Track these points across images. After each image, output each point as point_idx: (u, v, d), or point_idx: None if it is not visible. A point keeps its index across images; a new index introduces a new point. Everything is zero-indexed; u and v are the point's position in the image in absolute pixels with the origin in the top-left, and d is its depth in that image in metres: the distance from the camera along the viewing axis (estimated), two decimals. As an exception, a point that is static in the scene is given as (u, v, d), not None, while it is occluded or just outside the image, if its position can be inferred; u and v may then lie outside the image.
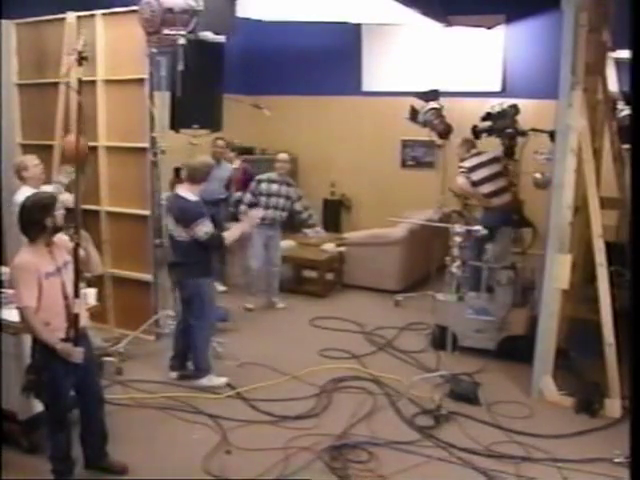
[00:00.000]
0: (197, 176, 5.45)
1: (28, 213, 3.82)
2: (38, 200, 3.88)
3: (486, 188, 6.67)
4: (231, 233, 5.61)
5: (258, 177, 7.44)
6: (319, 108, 10.18)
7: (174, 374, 5.66)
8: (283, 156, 7.51)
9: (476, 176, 6.68)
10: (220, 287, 7.69)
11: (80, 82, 4.44)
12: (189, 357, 5.66)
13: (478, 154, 6.84)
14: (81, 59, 4.38)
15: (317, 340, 6.58)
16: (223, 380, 5.54)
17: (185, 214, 5.32)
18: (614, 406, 5.02)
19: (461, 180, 6.76)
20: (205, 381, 5.51)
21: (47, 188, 5.52)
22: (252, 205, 7.25)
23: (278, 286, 7.79)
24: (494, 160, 6.74)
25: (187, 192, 5.39)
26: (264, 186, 7.34)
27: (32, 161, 5.70)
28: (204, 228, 5.26)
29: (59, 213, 3.82)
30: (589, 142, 5.24)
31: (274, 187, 7.36)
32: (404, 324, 7.07)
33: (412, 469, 4.30)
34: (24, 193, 5.32)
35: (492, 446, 4.60)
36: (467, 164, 6.74)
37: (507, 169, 6.73)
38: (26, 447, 4.38)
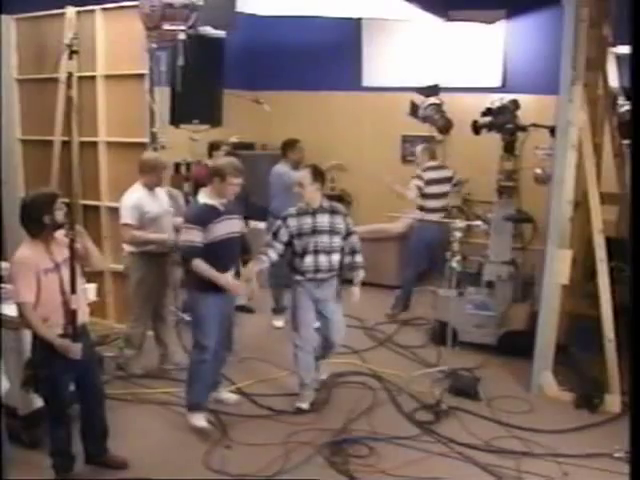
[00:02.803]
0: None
1: (28, 209, 3.82)
2: (38, 197, 3.88)
3: (430, 204, 7.00)
4: (206, 270, 4.57)
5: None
6: (319, 103, 10.15)
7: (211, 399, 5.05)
8: (303, 174, 5.11)
9: (428, 190, 6.99)
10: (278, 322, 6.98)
11: (70, 76, 4.41)
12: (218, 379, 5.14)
13: (437, 168, 7.13)
14: (71, 53, 4.34)
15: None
16: (204, 424, 4.75)
17: (185, 214, 4.95)
18: (614, 401, 5.02)
19: (413, 184, 7.01)
20: (192, 418, 4.77)
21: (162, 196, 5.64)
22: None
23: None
24: (446, 180, 7.08)
25: (205, 194, 4.74)
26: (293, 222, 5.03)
27: (160, 164, 5.60)
28: (185, 236, 4.58)
29: (59, 211, 3.82)
30: (589, 137, 5.24)
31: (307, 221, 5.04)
32: (404, 319, 7.07)
33: (412, 464, 4.31)
34: (136, 191, 5.44)
35: (492, 441, 4.61)
36: (426, 176, 7.02)
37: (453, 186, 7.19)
38: (26, 442, 4.39)
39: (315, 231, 4.95)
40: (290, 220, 4.96)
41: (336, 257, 5.04)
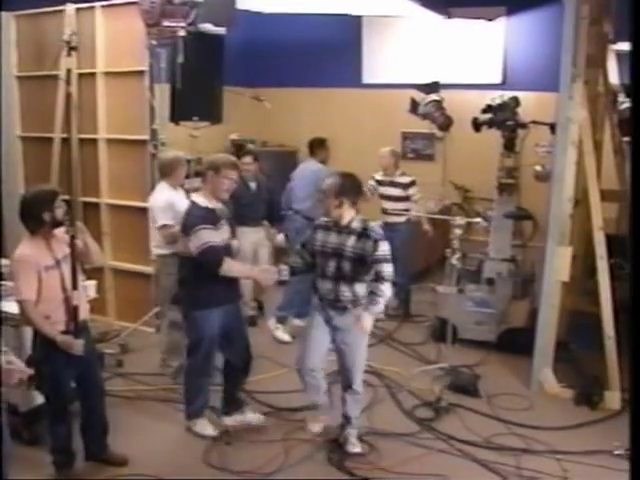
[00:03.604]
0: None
1: (28, 206, 3.83)
2: (38, 194, 3.88)
3: (386, 205, 7.16)
4: (240, 268, 4.52)
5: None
6: (319, 100, 10.14)
7: (229, 420, 4.77)
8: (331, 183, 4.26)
9: (382, 191, 7.17)
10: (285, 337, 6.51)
11: (69, 73, 4.41)
12: (241, 400, 4.90)
13: (402, 175, 7.17)
14: (70, 49, 4.34)
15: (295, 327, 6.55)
16: (211, 432, 4.63)
17: (185, 221, 4.38)
18: (614, 398, 5.02)
19: (368, 184, 7.04)
20: (196, 427, 4.66)
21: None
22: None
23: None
24: (408, 185, 7.08)
25: (200, 197, 4.44)
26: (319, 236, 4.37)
27: (182, 162, 5.52)
28: (199, 239, 4.20)
29: (59, 209, 3.82)
30: (590, 134, 5.23)
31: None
32: (404, 316, 7.07)
33: (412, 461, 4.31)
34: (163, 190, 5.36)
35: (492, 438, 4.61)
36: (377, 176, 7.22)
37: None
38: (27, 439, 4.39)
39: (337, 254, 4.14)
40: (318, 232, 4.27)
41: (361, 289, 4.19)
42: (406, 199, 7.10)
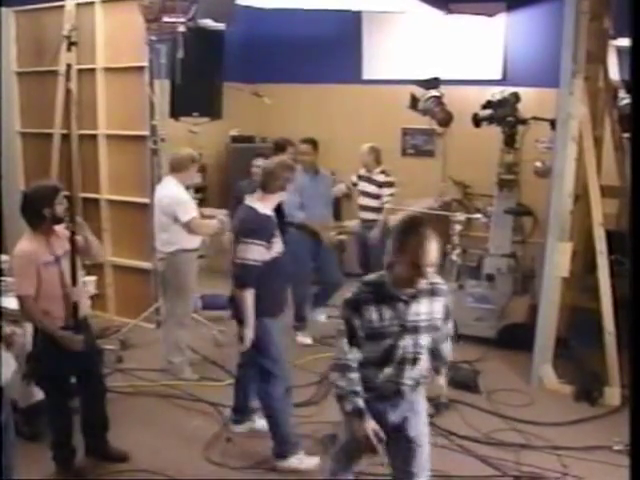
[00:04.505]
0: (273, 183, 4.17)
1: (29, 201, 3.83)
2: (40, 190, 3.88)
3: (360, 201, 7.05)
4: (249, 312, 4.07)
5: None
6: (319, 96, 10.13)
7: (240, 427, 4.64)
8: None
9: (360, 187, 7.04)
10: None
11: (68, 68, 4.40)
12: (253, 407, 4.65)
13: (381, 172, 6.96)
14: (69, 44, 4.33)
15: (316, 328, 6.58)
16: (315, 460, 4.24)
17: (243, 225, 4.10)
18: (613, 394, 5.03)
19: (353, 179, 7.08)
20: (295, 462, 4.21)
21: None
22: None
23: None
24: (382, 184, 6.87)
25: (259, 202, 4.14)
26: None
27: (195, 160, 5.51)
28: (249, 253, 3.97)
29: (60, 205, 3.82)
30: (590, 130, 5.23)
31: None
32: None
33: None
34: (176, 185, 5.33)
35: (492, 434, 4.61)
36: (359, 171, 7.06)
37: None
38: (27, 435, 4.39)
39: (406, 329, 2.94)
40: (367, 310, 2.91)
41: (424, 362, 3.09)
42: (378, 197, 6.88)
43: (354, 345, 2.93)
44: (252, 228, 4.02)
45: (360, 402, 2.89)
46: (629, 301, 2.91)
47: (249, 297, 4.01)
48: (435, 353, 3.19)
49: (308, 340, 6.32)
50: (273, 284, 4.11)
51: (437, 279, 3.05)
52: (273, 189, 4.14)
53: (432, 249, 2.83)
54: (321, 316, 6.69)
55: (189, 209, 5.23)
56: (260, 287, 4.04)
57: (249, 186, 5.97)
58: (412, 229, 2.89)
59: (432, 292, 3.00)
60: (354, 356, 2.93)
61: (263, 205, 4.11)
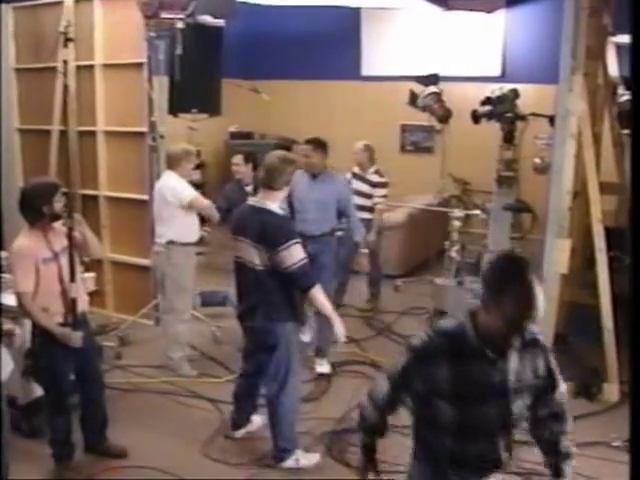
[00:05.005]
0: (277, 180, 4.05)
1: (28, 198, 3.83)
2: (39, 186, 3.88)
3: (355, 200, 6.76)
4: (324, 300, 4.10)
5: None
6: (318, 93, 10.14)
7: (240, 432, 4.59)
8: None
9: (355, 186, 6.80)
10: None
11: (66, 64, 4.39)
12: (253, 412, 4.63)
13: (374, 172, 6.88)
14: (66, 40, 4.33)
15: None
16: (315, 458, 4.30)
17: (272, 233, 3.92)
18: (612, 390, 5.03)
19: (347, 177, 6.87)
20: (292, 463, 4.21)
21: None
22: None
23: None
24: (375, 184, 6.81)
25: (268, 202, 4.03)
26: None
27: (190, 155, 5.50)
28: (296, 254, 3.89)
29: (58, 203, 3.81)
30: (589, 127, 5.22)
31: None
32: (403, 309, 7.08)
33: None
34: (174, 177, 5.34)
35: (490, 430, 4.61)
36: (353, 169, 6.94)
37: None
38: (26, 431, 4.40)
39: (500, 392, 2.39)
40: (437, 366, 2.39)
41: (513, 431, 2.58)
42: (371, 197, 6.81)
43: (396, 401, 2.69)
44: (284, 232, 3.94)
45: (367, 440, 2.84)
46: (629, 297, 2.91)
47: (320, 293, 4.00)
48: (548, 416, 2.57)
49: (326, 369, 5.62)
50: (292, 287, 4.04)
51: (534, 328, 2.48)
52: (280, 185, 4.03)
53: (538, 300, 2.28)
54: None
55: (187, 190, 5.30)
56: (279, 291, 4.00)
57: (237, 187, 5.98)
58: (513, 274, 2.29)
59: (528, 344, 2.49)
60: (388, 397, 2.68)
61: (274, 204, 4.03)
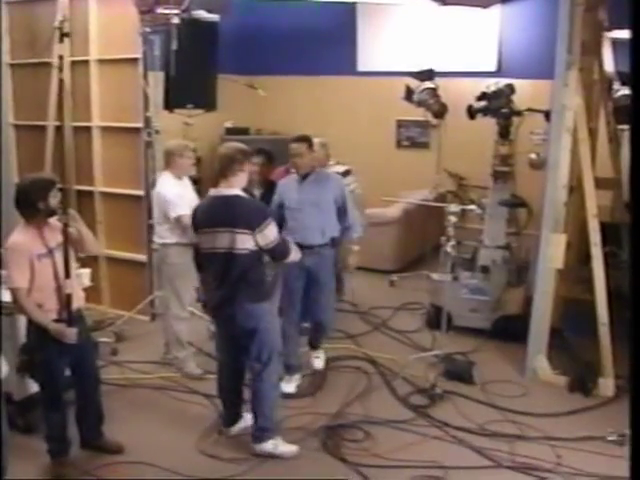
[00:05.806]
0: (230, 165, 4.12)
1: (24, 194, 3.82)
2: (35, 182, 3.87)
3: None
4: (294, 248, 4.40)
5: None
6: (314, 88, 10.12)
7: (234, 430, 4.51)
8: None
9: None
10: None
11: (61, 59, 4.37)
12: (243, 406, 4.55)
13: (336, 164, 6.67)
14: (62, 35, 4.32)
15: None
16: (293, 449, 4.30)
17: (248, 215, 4.06)
18: (607, 385, 5.04)
19: None
20: (270, 447, 4.24)
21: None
22: None
23: None
24: (345, 173, 6.59)
25: (231, 189, 4.10)
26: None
27: (187, 150, 5.39)
28: (273, 232, 4.10)
29: (54, 198, 3.81)
30: (584, 122, 5.23)
31: None
32: (399, 304, 7.08)
33: (407, 448, 4.32)
34: (169, 181, 5.26)
35: (486, 425, 4.62)
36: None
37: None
38: (22, 427, 4.39)
39: None
40: None
41: None
42: None
43: None
44: (259, 212, 4.13)
45: None
46: (623, 292, 2.92)
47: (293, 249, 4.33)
48: None
49: (320, 364, 5.55)
50: (266, 268, 4.24)
51: None
52: (234, 171, 4.08)
53: None
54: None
55: (178, 206, 5.08)
56: (258, 271, 4.15)
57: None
58: None
59: None
60: None
61: (237, 190, 4.12)
